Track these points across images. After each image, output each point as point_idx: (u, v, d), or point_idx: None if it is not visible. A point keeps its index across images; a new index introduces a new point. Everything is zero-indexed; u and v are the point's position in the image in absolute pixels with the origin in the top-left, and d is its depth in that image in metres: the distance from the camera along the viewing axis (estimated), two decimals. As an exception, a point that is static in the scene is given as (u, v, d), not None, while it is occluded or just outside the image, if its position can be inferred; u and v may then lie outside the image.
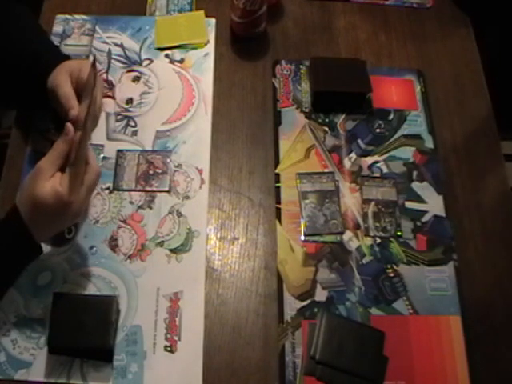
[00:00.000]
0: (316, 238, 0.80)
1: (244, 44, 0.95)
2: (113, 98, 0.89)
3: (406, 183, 0.84)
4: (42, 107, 0.79)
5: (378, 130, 0.88)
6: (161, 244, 0.78)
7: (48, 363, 0.71)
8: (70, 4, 0.97)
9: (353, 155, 0.86)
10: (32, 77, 0.75)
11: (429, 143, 0.88)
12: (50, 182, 0.64)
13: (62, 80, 0.72)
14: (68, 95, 0.71)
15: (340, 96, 0.88)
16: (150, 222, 0.80)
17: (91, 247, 0.78)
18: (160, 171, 0.83)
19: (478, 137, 0.89)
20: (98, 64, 0.83)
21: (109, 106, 0.87)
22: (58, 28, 0.94)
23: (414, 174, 0.85)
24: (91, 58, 0.69)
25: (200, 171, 0.84)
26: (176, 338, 0.73)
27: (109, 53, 0.92)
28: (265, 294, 0.76)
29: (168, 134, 0.86)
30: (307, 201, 0.82)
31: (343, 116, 0.89)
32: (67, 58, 0.78)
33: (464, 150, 0.88)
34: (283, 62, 0.94)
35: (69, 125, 0.66)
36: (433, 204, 0.83)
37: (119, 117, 0.88)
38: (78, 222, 0.78)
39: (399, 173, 0.85)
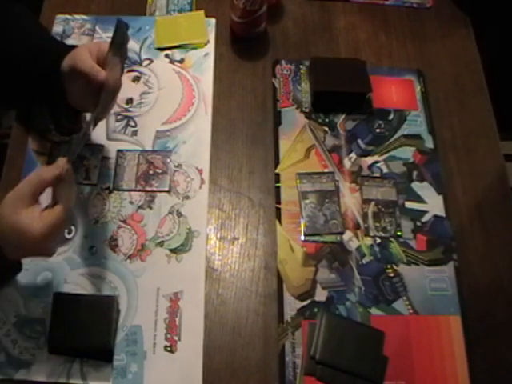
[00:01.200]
0: (316, 238, 0.80)
1: (244, 44, 0.95)
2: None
3: (406, 183, 0.84)
4: (48, 101, 0.79)
5: (378, 130, 0.88)
6: (161, 244, 0.78)
7: (48, 363, 0.71)
8: (70, 4, 0.97)
9: (353, 155, 0.86)
10: (42, 65, 0.74)
11: (429, 143, 0.88)
12: (27, 212, 0.63)
13: (81, 56, 0.72)
14: (91, 64, 0.70)
15: (340, 96, 0.88)
16: (150, 222, 0.80)
17: (91, 247, 0.78)
18: (160, 171, 0.83)
19: (478, 137, 0.89)
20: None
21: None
22: (58, 28, 0.94)
23: (414, 173, 0.85)
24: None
25: (200, 171, 0.84)
26: (176, 338, 0.73)
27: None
28: (265, 294, 0.76)
29: (168, 134, 0.86)
30: (307, 201, 0.82)
31: (343, 116, 0.89)
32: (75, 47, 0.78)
33: (464, 150, 0.88)
34: (283, 61, 0.94)
35: (62, 160, 0.65)
36: (433, 204, 0.83)
37: (119, 117, 0.88)
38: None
39: (399, 173, 0.85)
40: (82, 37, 0.94)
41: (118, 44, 0.72)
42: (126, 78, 0.90)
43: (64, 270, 0.76)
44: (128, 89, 0.90)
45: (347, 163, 0.85)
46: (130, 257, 0.77)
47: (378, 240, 0.80)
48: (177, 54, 0.93)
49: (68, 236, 0.78)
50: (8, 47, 0.76)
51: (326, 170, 0.85)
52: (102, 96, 0.69)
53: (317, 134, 0.88)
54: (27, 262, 0.75)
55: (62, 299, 0.72)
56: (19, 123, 0.87)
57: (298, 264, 0.78)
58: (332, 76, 0.89)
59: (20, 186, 0.64)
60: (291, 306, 0.75)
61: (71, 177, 0.67)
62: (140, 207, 0.81)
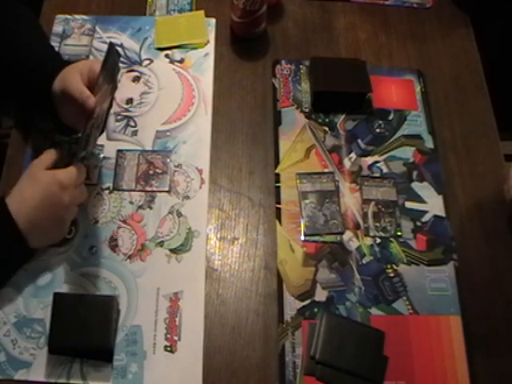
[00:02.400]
0: (316, 238, 0.80)
1: (244, 44, 0.95)
2: (113, 98, 0.88)
3: (406, 183, 0.84)
4: (42, 113, 0.80)
5: (378, 130, 0.88)
6: (161, 244, 0.78)
7: (48, 363, 0.71)
8: (69, 4, 0.97)
9: (353, 155, 0.86)
10: (33, 84, 0.75)
11: (429, 143, 0.88)
12: (47, 171, 0.70)
13: (71, 78, 0.72)
14: (81, 88, 0.70)
15: (340, 96, 0.88)
16: (150, 222, 0.80)
17: (91, 247, 0.78)
18: (160, 171, 0.83)
19: (478, 137, 0.89)
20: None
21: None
22: (58, 28, 0.94)
23: (414, 174, 0.85)
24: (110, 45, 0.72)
25: (200, 171, 0.84)
26: (176, 338, 0.73)
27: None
28: (265, 294, 0.76)
29: (168, 133, 0.86)
30: (307, 201, 0.82)
31: (343, 116, 0.89)
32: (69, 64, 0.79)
33: (464, 150, 0.88)
34: (283, 61, 0.94)
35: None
36: (433, 204, 0.83)
37: (119, 117, 0.88)
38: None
39: (399, 173, 0.85)
40: (82, 37, 0.94)
41: (110, 69, 0.72)
42: (126, 78, 0.91)
43: (64, 270, 0.76)
44: (128, 89, 0.90)
45: (347, 163, 0.85)
46: (130, 257, 0.77)
47: (378, 240, 0.80)
48: (177, 54, 0.93)
49: (68, 236, 0.78)
50: (9, 50, 0.76)
51: (326, 170, 0.85)
52: (89, 122, 0.69)
53: (317, 134, 0.88)
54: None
55: (61, 299, 0.72)
56: (19, 123, 0.87)
57: (298, 264, 0.78)
58: (332, 76, 0.89)
59: (34, 161, 0.72)
60: (291, 305, 0.75)
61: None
62: (140, 207, 0.81)
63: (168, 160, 0.84)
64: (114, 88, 0.77)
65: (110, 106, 0.79)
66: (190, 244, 0.79)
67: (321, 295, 0.76)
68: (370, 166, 0.85)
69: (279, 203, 0.82)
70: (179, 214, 0.80)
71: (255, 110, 0.89)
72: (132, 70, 0.91)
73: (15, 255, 0.71)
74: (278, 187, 0.83)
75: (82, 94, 0.70)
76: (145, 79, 0.91)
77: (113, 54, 0.72)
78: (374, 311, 0.75)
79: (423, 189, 0.84)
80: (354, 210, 0.82)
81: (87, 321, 0.70)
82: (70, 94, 0.71)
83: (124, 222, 0.80)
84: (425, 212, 0.82)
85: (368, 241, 0.80)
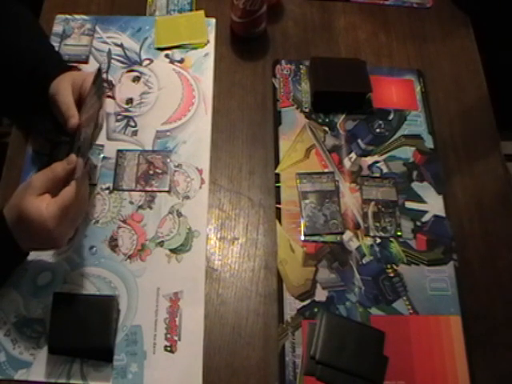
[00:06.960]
0: (316, 238, 0.80)
1: (244, 44, 0.95)
2: (113, 98, 0.89)
3: (406, 183, 0.84)
4: (41, 113, 0.80)
5: (378, 130, 0.88)
6: (161, 244, 0.78)
7: (48, 363, 0.71)
8: (70, 4, 0.97)
9: (353, 155, 0.86)
10: (33, 83, 0.75)
11: (429, 143, 0.88)
12: (36, 200, 0.64)
13: (63, 88, 0.72)
14: (68, 103, 0.71)
15: (340, 96, 0.89)
16: (150, 222, 0.80)
17: (91, 247, 0.78)
18: (160, 171, 0.83)
19: (478, 137, 0.89)
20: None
21: (109, 106, 0.87)
22: (57, 28, 0.94)
23: (414, 174, 0.85)
24: (100, 65, 0.71)
25: (200, 171, 0.84)
26: (176, 338, 0.73)
27: (109, 53, 0.93)
28: (265, 294, 0.76)
29: (168, 133, 0.86)
30: (307, 201, 0.82)
31: (343, 116, 0.89)
32: (69, 66, 0.79)
33: (464, 150, 0.88)
34: (283, 62, 0.94)
35: (73, 156, 0.67)
36: (433, 204, 0.83)
37: (119, 117, 0.88)
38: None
39: (399, 173, 0.85)
40: (82, 37, 0.94)
41: (99, 90, 0.72)
42: (126, 78, 0.91)
43: (64, 270, 0.76)
44: (128, 89, 0.90)
45: (347, 163, 0.85)
46: (130, 257, 0.77)
47: (378, 240, 0.80)
48: (177, 54, 0.93)
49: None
50: (8, 50, 0.76)
51: (326, 170, 0.85)
52: (76, 137, 0.69)
53: (317, 134, 0.88)
54: (27, 262, 0.76)
55: (61, 299, 0.72)
56: (19, 123, 0.87)
57: (298, 264, 0.78)
58: (332, 76, 0.89)
59: (33, 177, 0.65)
60: (291, 305, 0.75)
61: (84, 176, 0.69)
62: (140, 207, 0.81)
63: (168, 160, 0.84)
64: (100, 107, 0.78)
65: (96, 125, 0.78)
66: (190, 244, 0.79)
67: (321, 295, 0.76)
68: (370, 166, 0.85)
69: (279, 203, 0.82)
70: (179, 214, 0.80)
71: (255, 110, 0.89)
72: (132, 70, 0.92)
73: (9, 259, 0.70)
74: (278, 187, 0.83)
75: (67, 110, 0.70)
76: (145, 79, 0.91)
77: (100, 77, 0.73)
78: (374, 311, 0.75)
79: (423, 189, 0.84)
80: (354, 209, 0.82)
81: (87, 321, 0.70)
82: (58, 106, 0.71)
83: (124, 222, 0.80)
84: (425, 212, 0.82)
85: (368, 241, 0.80)
